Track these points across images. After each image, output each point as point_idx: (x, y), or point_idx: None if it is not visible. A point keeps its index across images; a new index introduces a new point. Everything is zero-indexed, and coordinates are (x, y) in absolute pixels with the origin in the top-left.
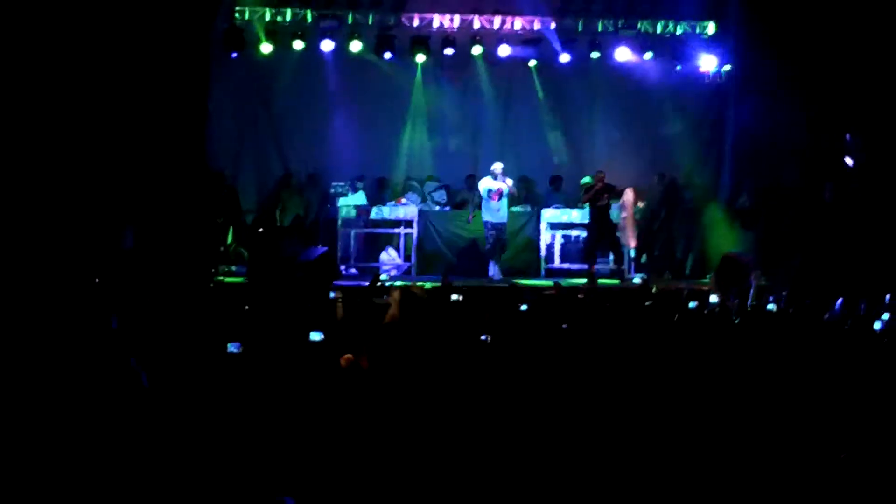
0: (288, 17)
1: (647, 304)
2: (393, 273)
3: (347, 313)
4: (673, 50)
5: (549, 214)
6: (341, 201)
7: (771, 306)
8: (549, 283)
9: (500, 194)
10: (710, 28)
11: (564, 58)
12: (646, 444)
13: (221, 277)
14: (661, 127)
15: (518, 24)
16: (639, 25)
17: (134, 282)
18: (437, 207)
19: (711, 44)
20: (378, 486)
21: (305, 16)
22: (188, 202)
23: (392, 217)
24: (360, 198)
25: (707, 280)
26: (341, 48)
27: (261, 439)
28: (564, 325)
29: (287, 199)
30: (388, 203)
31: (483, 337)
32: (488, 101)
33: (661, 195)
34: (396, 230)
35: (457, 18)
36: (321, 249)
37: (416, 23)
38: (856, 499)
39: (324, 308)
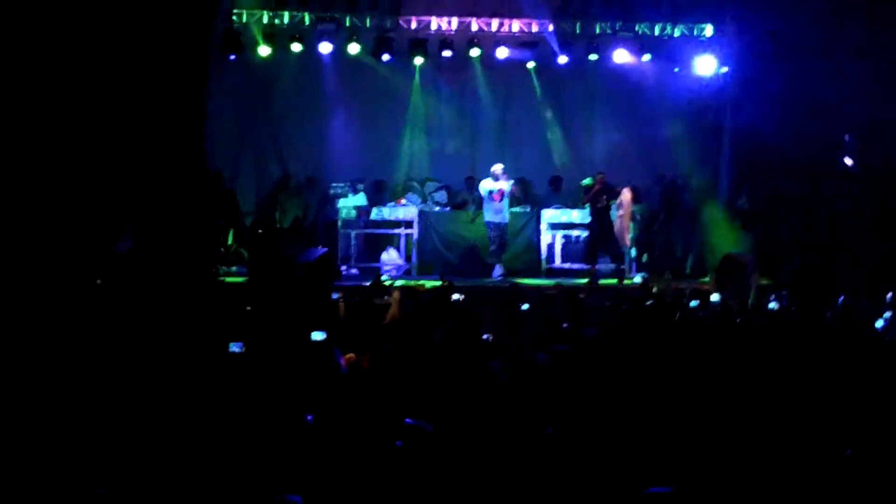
0: (286, 20)
1: (648, 303)
2: (393, 273)
3: (348, 313)
4: (671, 52)
5: (549, 215)
6: (341, 202)
7: (772, 305)
8: (550, 282)
9: (501, 195)
10: (708, 30)
11: (562, 60)
12: (649, 444)
13: (223, 278)
14: (659, 128)
15: (516, 26)
16: (637, 28)
17: (134, 283)
18: (438, 208)
19: (709, 46)
20: (379, 485)
21: (303, 18)
22: (187, 203)
23: (392, 218)
24: (360, 199)
25: (707, 280)
26: (339, 50)
27: (264, 437)
28: (565, 325)
29: (285, 201)
30: (388, 204)
31: (485, 337)
32: (486, 103)
33: (660, 195)
34: (396, 231)
35: (454, 21)
36: (321, 250)
37: (413, 25)
38: (858, 496)
39: (325, 308)
